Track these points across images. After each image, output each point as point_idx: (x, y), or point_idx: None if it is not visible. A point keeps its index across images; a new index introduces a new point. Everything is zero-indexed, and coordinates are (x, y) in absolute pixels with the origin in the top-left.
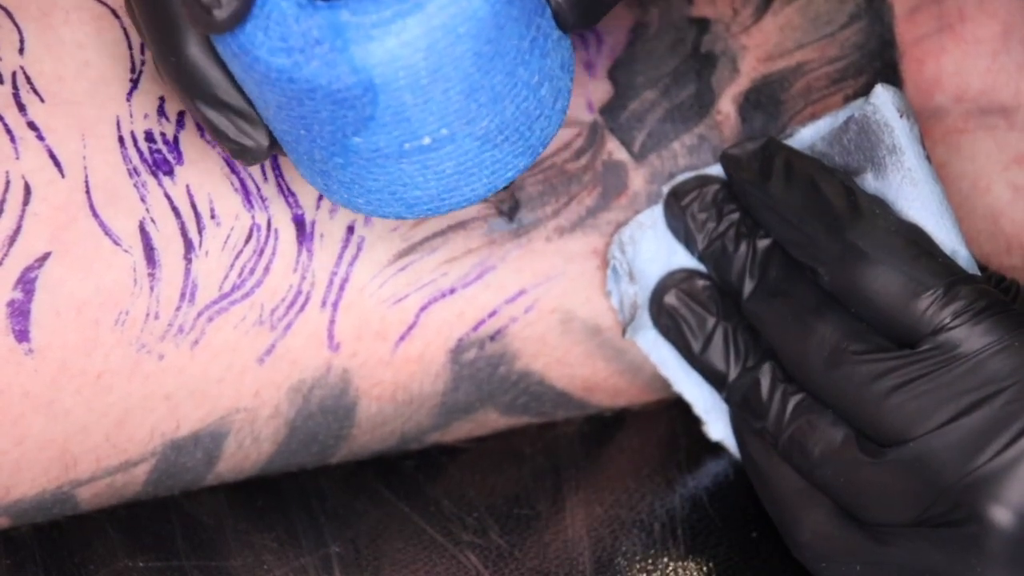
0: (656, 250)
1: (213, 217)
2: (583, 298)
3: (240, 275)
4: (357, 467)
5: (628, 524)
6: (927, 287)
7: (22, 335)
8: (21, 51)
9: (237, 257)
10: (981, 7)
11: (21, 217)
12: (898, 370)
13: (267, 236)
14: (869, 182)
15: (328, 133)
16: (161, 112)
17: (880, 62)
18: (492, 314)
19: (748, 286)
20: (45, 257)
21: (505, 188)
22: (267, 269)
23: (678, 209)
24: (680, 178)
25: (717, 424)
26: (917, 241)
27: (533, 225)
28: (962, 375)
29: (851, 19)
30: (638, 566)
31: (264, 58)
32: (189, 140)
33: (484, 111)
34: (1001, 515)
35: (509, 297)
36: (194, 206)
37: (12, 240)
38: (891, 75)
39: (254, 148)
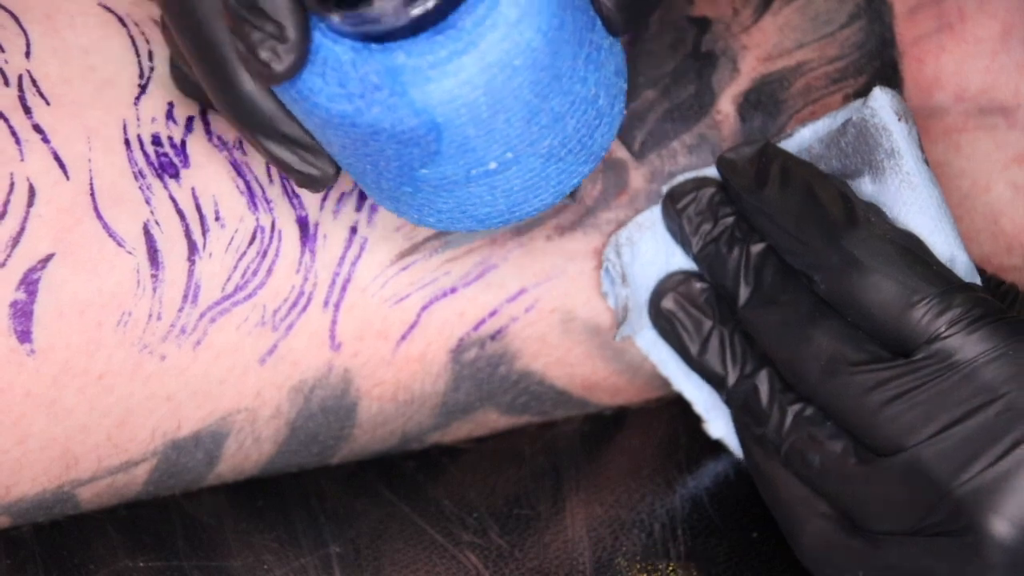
0: (655, 251)
1: (217, 219)
2: (584, 298)
3: (243, 276)
4: (358, 467)
5: (628, 524)
6: (922, 296)
7: (25, 335)
8: (27, 54)
9: (240, 259)
10: (981, 7)
11: (25, 218)
12: (893, 380)
13: (271, 238)
14: (866, 186)
15: (395, 167)
16: (170, 116)
17: (880, 61)
18: (493, 313)
19: (743, 292)
20: (48, 258)
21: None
22: (270, 270)
23: (674, 211)
24: (679, 179)
25: (718, 422)
26: (912, 249)
27: (534, 224)
28: (956, 384)
29: (851, 19)
30: (638, 566)
31: (324, 104)
32: (197, 144)
33: (546, 132)
34: (999, 526)
35: (510, 296)
36: (199, 208)
37: (16, 241)
38: (891, 74)
39: (321, 177)
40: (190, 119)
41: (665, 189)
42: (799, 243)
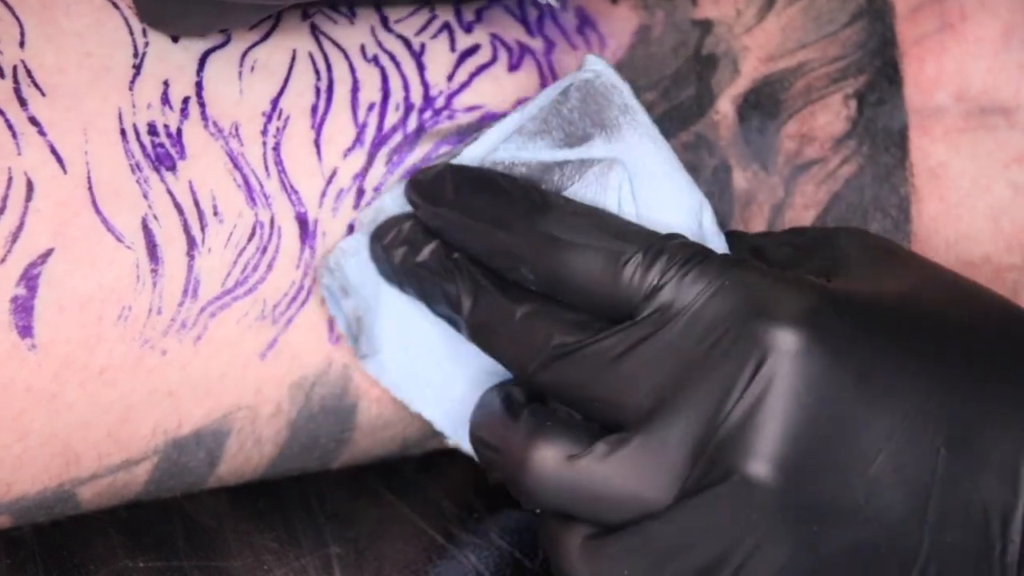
0: (363, 275)
1: (216, 214)
2: None
3: (243, 272)
4: (358, 468)
5: None
6: (628, 255)
7: (25, 331)
8: (22, 44)
9: (240, 254)
10: (982, 6)
11: (24, 213)
12: (623, 348)
13: (270, 234)
14: (598, 146)
15: None
16: (165, 100)
17: (881, 61)
18: None
19: (466, 305)
20: (48, 253)
21: None
22: (270, 266)
23: (381, 250)
24: (368, 211)
25: (465, 440)
26: (607, 218)
27: None
28: (683, 331)
29: (853, 18)
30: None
31: None
32: (192, 132)
33: None
34: (758, 467)
35: None
36: (197, 203)
37: (15, 237)
38: (892, 74)
39: None
40: (185, 102)
41: (361, 216)
42: (498, 241)
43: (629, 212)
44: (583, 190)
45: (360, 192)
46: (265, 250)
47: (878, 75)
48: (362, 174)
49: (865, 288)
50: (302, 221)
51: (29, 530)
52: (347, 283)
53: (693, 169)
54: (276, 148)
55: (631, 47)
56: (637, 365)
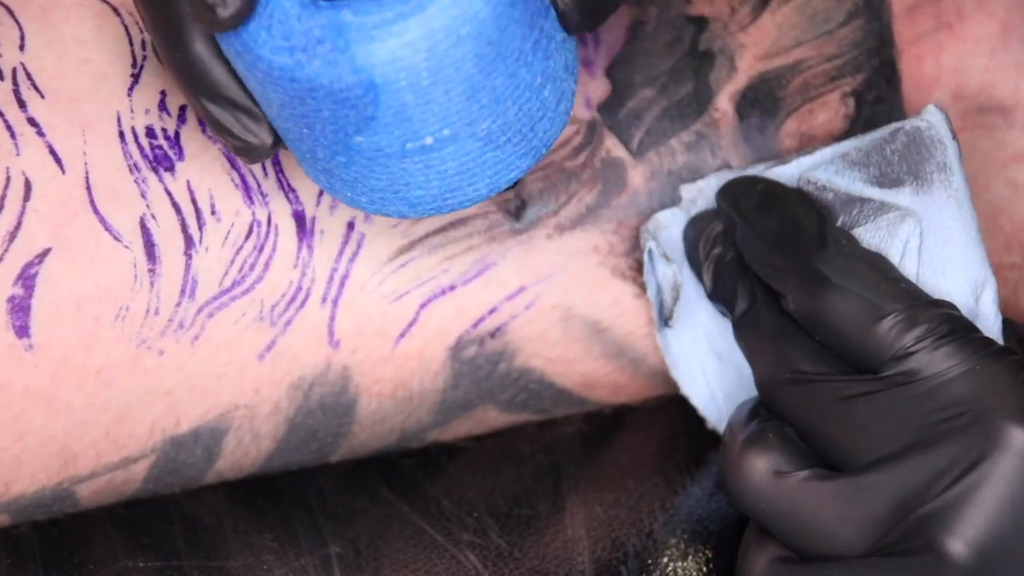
0: (672, 251)
1: (214, 213)
2: (584, 295)
3: (240, 271)
4: (357, 466)
5: (628, 524)
6: (888, 311)
7: (22, 331)
8: (22, 47)
9: (237, 253)
10: (979, 6)
11: (21, 213)
12: (859, 394)
13: (267, 232)
14: (905, 196)
15: (331, 132)
16: (162, 107)
17: (878, 60)
18: (492, 311)
19: (739, 307)
20: (45, 253)
21: (511, 188)
22: (267, 265)
23: (692, 235)
24: (691, 189)
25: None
26: (880, 268)
27: (534, 222)
28: (921, 400)
29: (849, 17)
30: (638, 566)
31: (267, 57)
32: (190, 136)
33: (486, 112)
34: (956, 547)
35: (509, 294)
36: (195, 202)
37: (12, 236)
38: (889, 73)
39: (258, 145)
40: (183, 109)
41: (683, 192)
42: (771, 264)
43: (909, 268)
44: (871, 233)
45: None
46: (262, 249)
47: (876, 74)
48: None
49: None
50: (299, 219)
51: (29, 529)
52: (668, 250)
53: (695, 170)
54: None
55: (626, 43)
56: (867, 414)
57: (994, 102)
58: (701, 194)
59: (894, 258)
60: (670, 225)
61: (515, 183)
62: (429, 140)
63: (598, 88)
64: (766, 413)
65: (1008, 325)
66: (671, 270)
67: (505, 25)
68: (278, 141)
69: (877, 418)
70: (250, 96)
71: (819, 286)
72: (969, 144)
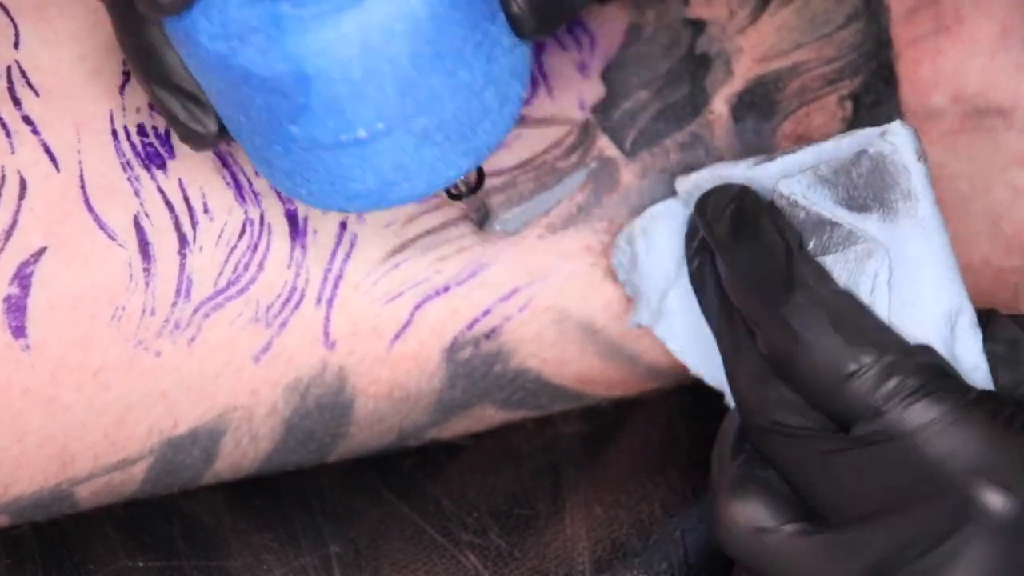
0: (670, 242)
1: (206, 211)
2: (577, 296)
3: (235, 270)
4: (356, 467)
5: (628, 524)
6: (857, 368)
7: (19, 331)
8: (16, 45)
9: (231, 252)
10: (978, 8)
11: (17, 211)
12: (834, 449)
13: (260, 231)
14: (873, 224)
15: (265, 120)
16: (152, 105)
17: (876, 62)
18: (486, 312)
19: (720, 330)
20: (41, 252)
21: (472, 193)
22: (261, 265)
23: (698, 225)
24: (686, 181)
25: None
26: (848, 315)
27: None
28: (893, 461)
29: (848, 19)
30: (637, 566)
31: (204, 44)
32: None
33: (422, 109)
34: None
35: (503, 295)
36: (187, 200)
37: (8, 235)
38: (887, 76)
39: (204, 133)
40: None
41: (677, 183)
42: (745, 303)
43: (880, 302)
44: (840, 264)
45: None
46: (256, 248)
47: (873, 77)
48: None
49: None
50: (292, 219)
51: (28, 529)
52: (643, 256)
53: (689, 169)
54: None
55: (622, 46)
56: (844, 471)
57: (993, 104)
58: (697, 187)
59: (863, 293)
60: (667, 217)
61: (476, 189)
62: (363, 133)
63: (593, 91)
64: (751, 448)
65: (992, 319)
66: (634, 279)
67: (444, 25)
68: (224, 131)
69: (855, 475)
70: (198, 85)
71: (788, 340)
72: (968, 147)
